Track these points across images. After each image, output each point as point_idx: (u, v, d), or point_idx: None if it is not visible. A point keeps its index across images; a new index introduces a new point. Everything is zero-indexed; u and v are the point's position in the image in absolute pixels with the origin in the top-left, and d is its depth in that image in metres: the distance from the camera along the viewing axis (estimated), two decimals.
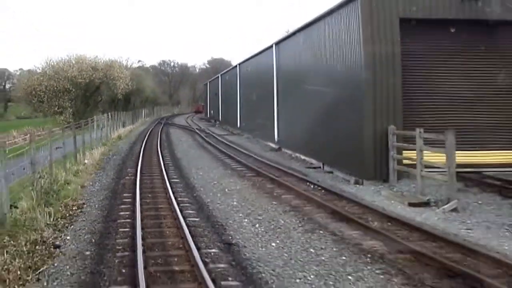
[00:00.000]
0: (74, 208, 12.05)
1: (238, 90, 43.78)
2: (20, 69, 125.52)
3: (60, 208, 11.70)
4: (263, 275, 7.48)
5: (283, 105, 27.79)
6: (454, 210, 12.63)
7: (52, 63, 52.93)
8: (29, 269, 7.79)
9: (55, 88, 49.79)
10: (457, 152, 16.88)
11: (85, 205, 12.44)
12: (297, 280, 7.26)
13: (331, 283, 7.15)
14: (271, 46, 29.64)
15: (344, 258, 8.24)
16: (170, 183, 14.81)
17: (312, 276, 7.40)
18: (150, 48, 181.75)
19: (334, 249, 8.69)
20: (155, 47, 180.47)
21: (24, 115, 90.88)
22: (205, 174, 17.50)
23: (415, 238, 9.26)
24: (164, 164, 19.20)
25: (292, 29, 21.62)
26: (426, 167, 14.42)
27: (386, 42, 16.63)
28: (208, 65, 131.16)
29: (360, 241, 9.09)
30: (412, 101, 17.09)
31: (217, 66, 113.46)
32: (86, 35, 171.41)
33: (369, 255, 8.32)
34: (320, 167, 20.26)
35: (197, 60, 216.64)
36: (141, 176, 16.28)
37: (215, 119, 64.46)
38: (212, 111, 70.24)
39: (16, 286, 7.15)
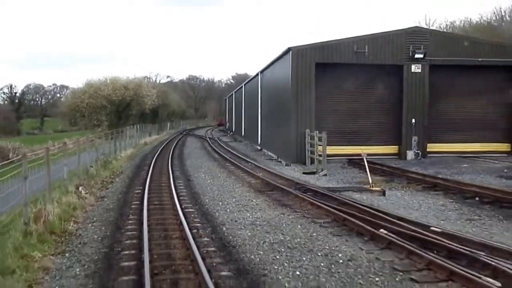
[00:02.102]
0: (118, 172, 24.26)
1: (243, 106, 55.95)
2: (54, 84, 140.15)
3: (111, 172, 23.86)
4: (197, 185, 19.39)
5: (263, 118, 39.72)
6: (325, 175, 24.19)
7: (91, 84, 66.36)
8: (102, 187, 19.88)
9: (94, 104, 62.96)
10: (348, 146, 28.76)
11: (123, 172, 24.65)
12: (208, 188, 19.04)
13: (220, 188, 18.95)
14: (258, 74, 41.71)
15: (233, 182, 20.11)
16: (171, 164, 26.82)
17: (214, 187, 19.22)
18: (180, 63, 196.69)
19: (232, 181, 20.62)
20: (186, 62, 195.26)
21: (61, 128, 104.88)
22: (195, 161, 29.60)
23: (275, 178, 20.89)
24: (172, 157, 31.31)
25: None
26: (320, 154, 26.10)
27: (305, 78, 28.39)
28: (232, 81, 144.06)
29: (247, 179, 21.02)
30: (322, 114, 28.73)
31: (241, 82, 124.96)
32: (121, 51, 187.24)
33: (244, 182, 20.19)
34: (275, 159, 31.99)
35: (223, 75, 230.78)
36: (155, 162, 28.33)
37: (230, 130, 76.79)
38: (228, 124, 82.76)
39: (99, 191, 19.13)
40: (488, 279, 7.97)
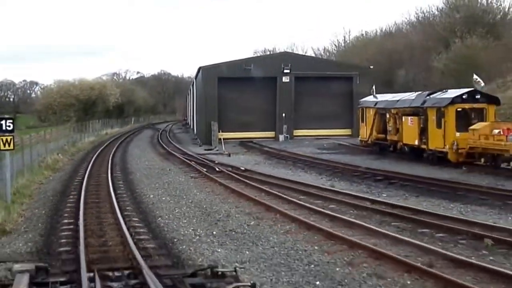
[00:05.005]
0: (81, 149, 41.30)
1: (191, 103, 73.09)
2: (24, 80, 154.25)
3: (77, 149, 40.81)
4: (128, 154, 36.54)
5: (197, 114, 56.89)
6: (217, 150, 41.27)
7: (62, 84, 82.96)
8: (72, 155, 36.90)
9: (64, 103, 79.43)
10: (242, 132, 46.06)
11: (85, 149, 41.75)
12: (134, 155, 36.07)
13: (141, 155, 36.02)
14: (193, 81, 58.95)
15: (151, 153, 37.27)
16: (119, 146, 43.75)
17: (138, 154, 36.29)
18: (152, 58, 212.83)
19: (152, 152, 37.85)
20: (158, 57, 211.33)
21: (33, 125, 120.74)
22: (138, 143, 46.79)
23: (178, 151, 37.90)
24: (122, 142, 48.28)
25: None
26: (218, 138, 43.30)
27: (211, 87, 45.57)
28: None
29: (160, 151, 38.26)
30: (224, 110, 45.80)
31: None
32: (92, 46, 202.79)
33: (158, 153, 37.39)
34: (199, 143, 49.08)
35: (192, 71, 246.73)
36: (108, 144, 45.20)
37: (187, 124, 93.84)
38: (187, 118, 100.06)
39: (70, 156, 35.98)
40: (205, 170, 25.17)
